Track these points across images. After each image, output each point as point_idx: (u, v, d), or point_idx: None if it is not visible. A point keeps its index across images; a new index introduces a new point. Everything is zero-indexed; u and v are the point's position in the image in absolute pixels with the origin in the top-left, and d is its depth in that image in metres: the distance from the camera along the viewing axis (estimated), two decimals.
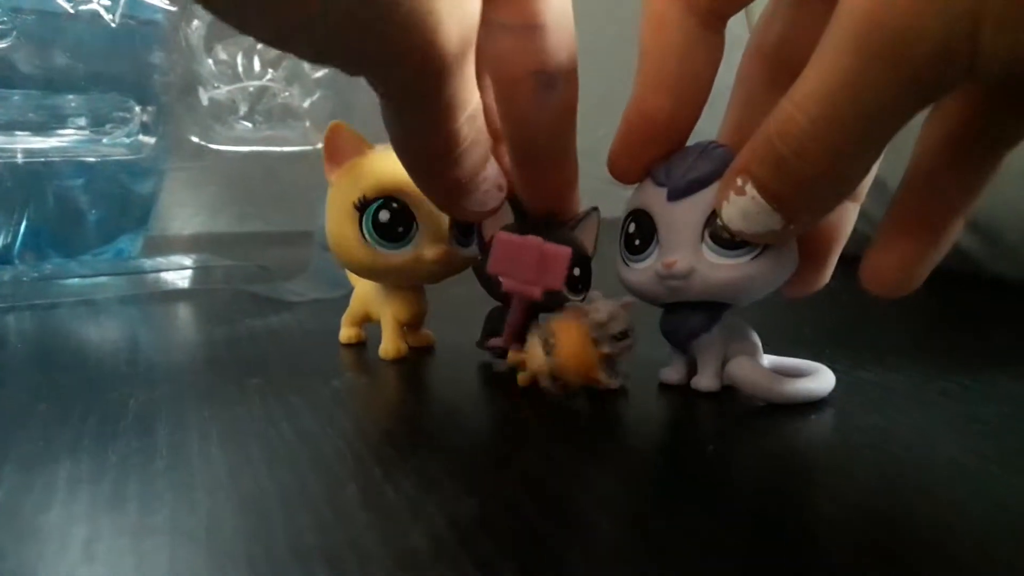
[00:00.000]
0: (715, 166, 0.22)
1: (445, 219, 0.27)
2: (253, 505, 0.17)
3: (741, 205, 0.20)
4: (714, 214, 0.22)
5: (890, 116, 0.17)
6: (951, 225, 0.21)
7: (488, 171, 0.23)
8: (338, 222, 0.27)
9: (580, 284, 0.27)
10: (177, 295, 0.43)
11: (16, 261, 0.47)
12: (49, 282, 0.43)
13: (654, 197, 0.23)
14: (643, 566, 0.14)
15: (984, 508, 0.17)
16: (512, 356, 0.26)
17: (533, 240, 0.23)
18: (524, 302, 0.23)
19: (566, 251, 0.22)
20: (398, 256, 0.27)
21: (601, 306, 0.25)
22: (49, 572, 0.14)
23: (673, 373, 0.26)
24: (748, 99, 0.24)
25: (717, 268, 0.22)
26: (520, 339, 0.24)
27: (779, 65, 0.22)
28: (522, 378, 0.21)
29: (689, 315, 0.24)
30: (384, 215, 0.27)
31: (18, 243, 0.47)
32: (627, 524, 0.16)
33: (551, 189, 0.26)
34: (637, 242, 0.24)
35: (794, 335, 0.32)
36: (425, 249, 0.27)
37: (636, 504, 0.17)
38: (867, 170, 0.19)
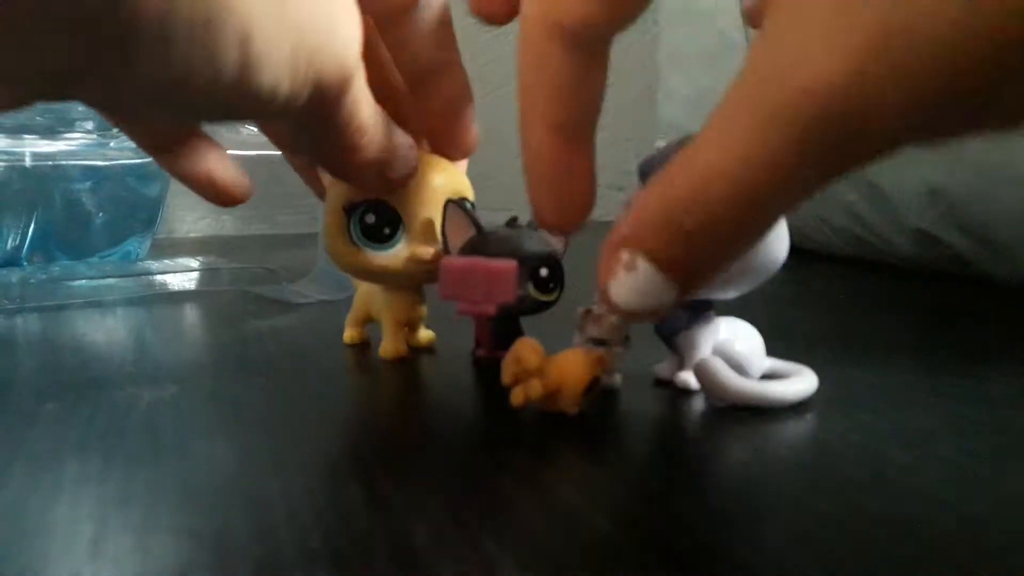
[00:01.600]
0: None
1: (433, 220, 0.27)
2: (258, 504, 0.17)
3: (632, 282, 0.16)
4: None
5: (815, 183, 0.14)
6: None
7: (395, 139, 0.24)
8: (330, 225, 0.28)
9: (551, 284, 0.26)
10: (183, 297, 0.43)
11: (24, 263, 0.47)
12: (57, 284, 0.43)
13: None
14: (643, 566, 0.15)
15: (977, 508, 0.17)
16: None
17: (476, 261, 0.23)
18: (484, 319, 0.24)
19: (511, 266, 0.22)
20: (386, 257, 0.27)
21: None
22: (56, 570, 0.15)
23: (666, 369, 0.26)
24: None
25: None
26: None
27: None
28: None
29: (672, 312, 0.24)
30: (370, 217, 0.27)
31: (26, 245, 0.48)
32: (627, 524, 0.16)
33: (444, 103, 0.27)
34: None
35: (786, 334, 0.32)
36: (412, 249, 0.27)
37: (636, 504, 0.17)
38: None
